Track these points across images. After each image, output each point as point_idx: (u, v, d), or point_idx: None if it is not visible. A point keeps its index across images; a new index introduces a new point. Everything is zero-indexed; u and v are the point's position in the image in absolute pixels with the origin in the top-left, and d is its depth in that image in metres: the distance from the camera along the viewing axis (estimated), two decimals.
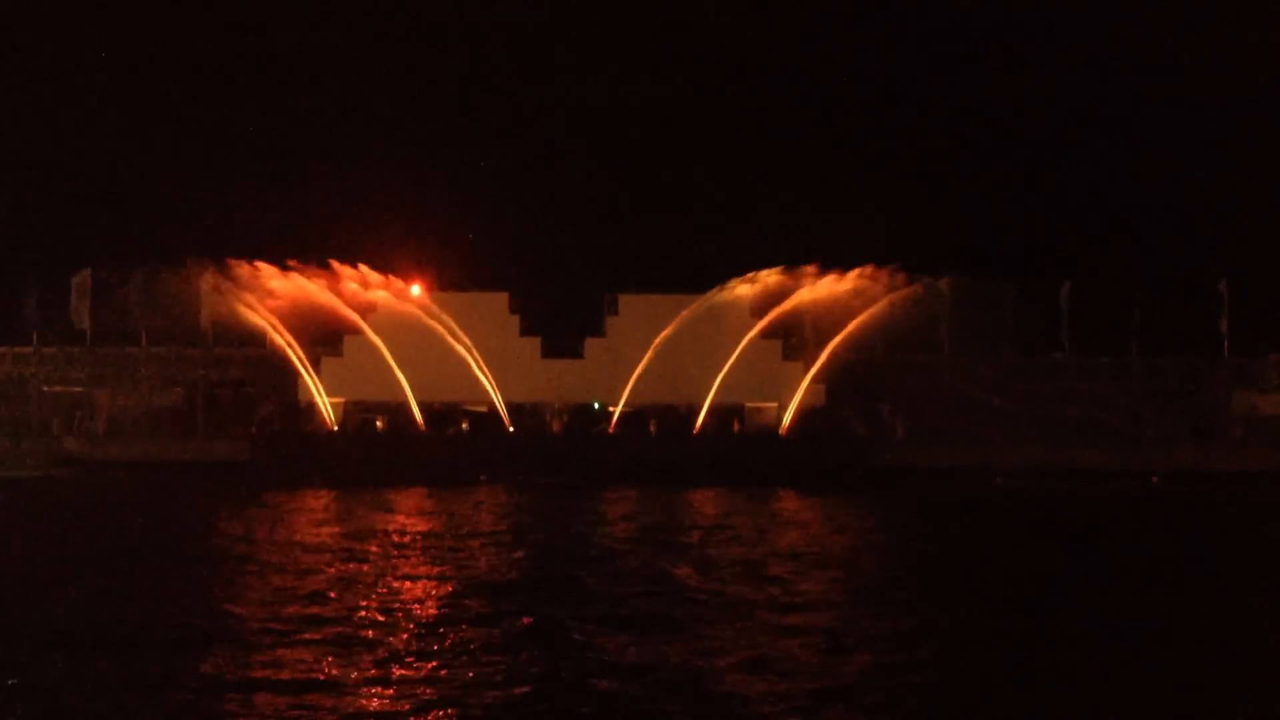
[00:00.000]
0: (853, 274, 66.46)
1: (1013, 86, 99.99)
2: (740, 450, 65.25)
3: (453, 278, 67.99)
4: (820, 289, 66.70)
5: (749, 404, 68.05)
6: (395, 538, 37.36)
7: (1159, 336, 72.27)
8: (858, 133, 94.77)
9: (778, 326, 68.05)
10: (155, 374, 71.73)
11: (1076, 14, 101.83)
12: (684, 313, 66.90)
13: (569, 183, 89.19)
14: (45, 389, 71.50)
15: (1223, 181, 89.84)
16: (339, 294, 66.86)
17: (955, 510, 51.74)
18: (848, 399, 68.34)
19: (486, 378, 66.11)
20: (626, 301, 68.68)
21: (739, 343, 67.02)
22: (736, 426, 67.54)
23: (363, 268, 67.64)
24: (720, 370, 66.53)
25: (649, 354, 66.43)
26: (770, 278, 67.26)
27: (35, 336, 72.00)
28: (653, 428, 66.89)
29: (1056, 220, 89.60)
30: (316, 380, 66.69)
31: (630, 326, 67.69)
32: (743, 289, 67.69)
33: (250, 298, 65.62)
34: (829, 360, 67.79)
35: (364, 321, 67.30)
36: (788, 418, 66.74)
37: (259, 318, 65.57)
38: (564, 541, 38.04)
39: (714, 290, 67.60)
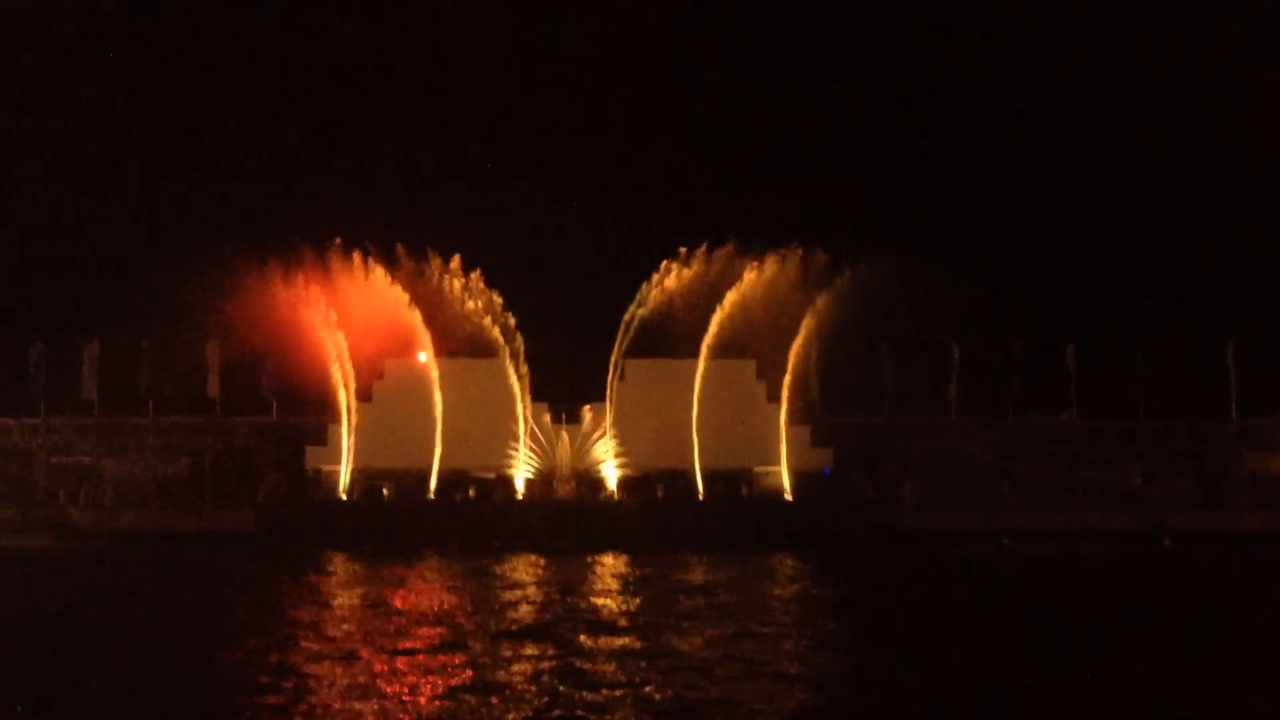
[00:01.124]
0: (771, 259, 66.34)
1: (1017, 143, 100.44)
2: (748, 516, 64.96)
3: (458, 343, 68.00)
4: (747, 283, 66.47)
5: (757, 468, 67.86)
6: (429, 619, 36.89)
7: (1166, 397, 72.24)
8: (862, 200, 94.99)
9: (790, 391, 68.13)
10: (162, 443, 71.89)
11: (1085, 69, 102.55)
12: (614, 348, 67.25)
13: (575, 246, 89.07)
14: (53, 460, 71.55)
15: (1230, 240, 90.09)
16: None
17: (957, 575, 51.42)
18: (855, 463, 68.27)
19: (533, 449, 66.50)
20: (632, 366, 68.76)
21: (747, 408, 67.30)
22: (745, 491, 67.32)
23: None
24: (728, 435, 66.70)
25: (609, 408, 66.97)
26: (681, 270, 67.24)
27: (43, 408, 72.25)
28: (660, 494, 66.69)
29: (1061, 281, 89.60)
30: (352, 416, 66.64)
31: (637, 392, 67.92)
32: (661, 289, 67.51)
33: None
34: (837, 426, 68.24)
35: (373, 389, 67.88)
36: (786, 479, 66.54)
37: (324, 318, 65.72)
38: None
39: (632, 307, 67.67)
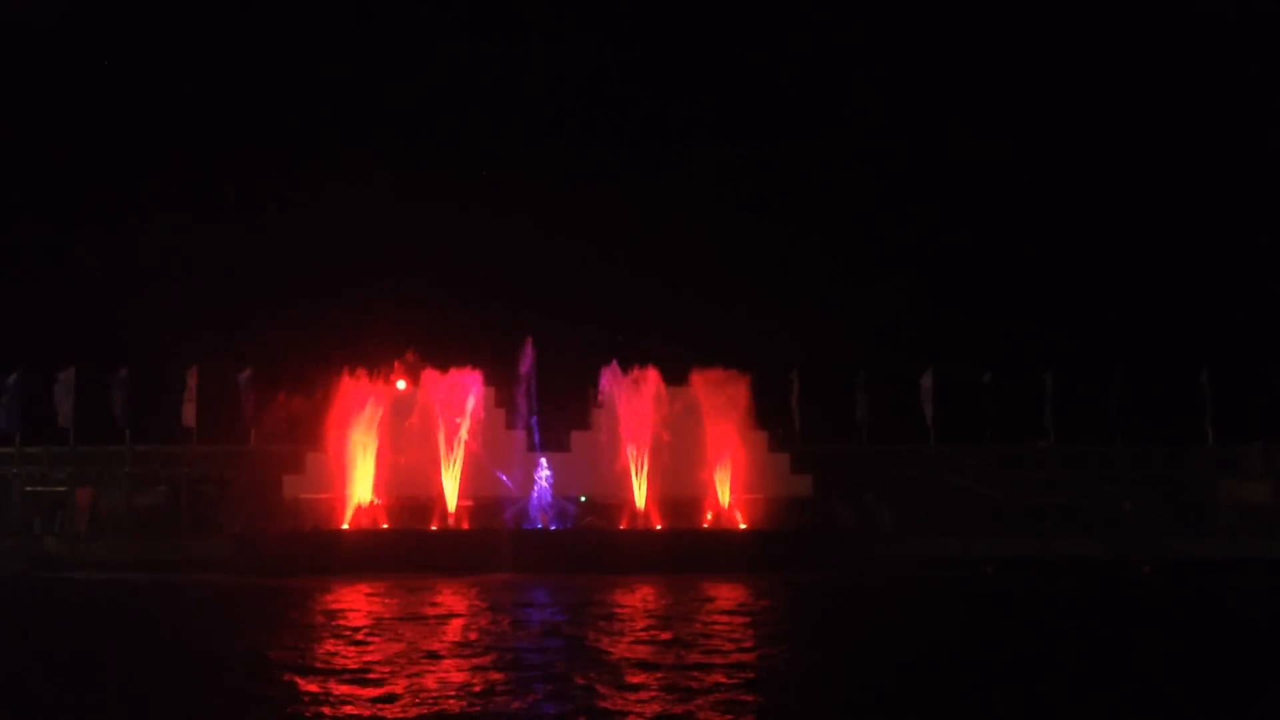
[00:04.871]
0: None
1: (990, 168, 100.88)
2: (728, 542, 64.80)
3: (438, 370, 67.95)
4: None
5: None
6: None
7: (1142, 424, 72.51)
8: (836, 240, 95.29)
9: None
10: (138, 472, 71.18)
11: (1056, 98, 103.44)
12: None
13: (554, 278, 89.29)
14: (27, 489, 70.84)
15: (1204, 267, 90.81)
16: None
17: (937, 603, 51.38)
18: (834, 490, 68.32)
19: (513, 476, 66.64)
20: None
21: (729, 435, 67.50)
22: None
23: None
24: (707, 462, 66.84)
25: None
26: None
27: (18, 436, 71.53)
28: (641, 520, 66.48)
29: (1036, 307, 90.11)
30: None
31: (617, 419, 67.85)
32: None
33: None
34: (815, 453, 68.54)
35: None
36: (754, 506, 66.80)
37: None
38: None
39: None
